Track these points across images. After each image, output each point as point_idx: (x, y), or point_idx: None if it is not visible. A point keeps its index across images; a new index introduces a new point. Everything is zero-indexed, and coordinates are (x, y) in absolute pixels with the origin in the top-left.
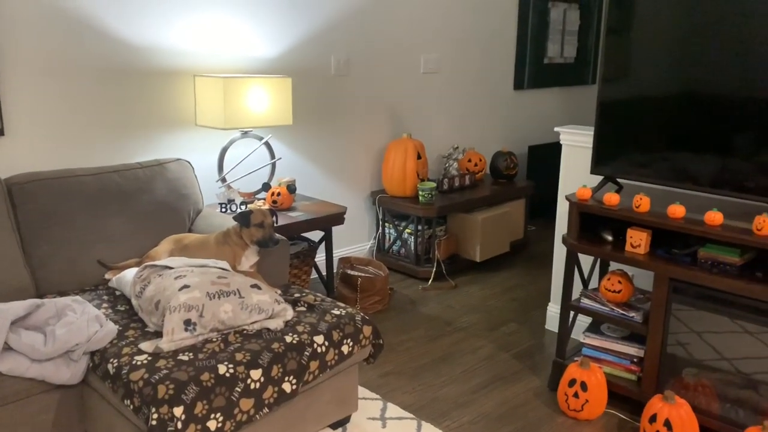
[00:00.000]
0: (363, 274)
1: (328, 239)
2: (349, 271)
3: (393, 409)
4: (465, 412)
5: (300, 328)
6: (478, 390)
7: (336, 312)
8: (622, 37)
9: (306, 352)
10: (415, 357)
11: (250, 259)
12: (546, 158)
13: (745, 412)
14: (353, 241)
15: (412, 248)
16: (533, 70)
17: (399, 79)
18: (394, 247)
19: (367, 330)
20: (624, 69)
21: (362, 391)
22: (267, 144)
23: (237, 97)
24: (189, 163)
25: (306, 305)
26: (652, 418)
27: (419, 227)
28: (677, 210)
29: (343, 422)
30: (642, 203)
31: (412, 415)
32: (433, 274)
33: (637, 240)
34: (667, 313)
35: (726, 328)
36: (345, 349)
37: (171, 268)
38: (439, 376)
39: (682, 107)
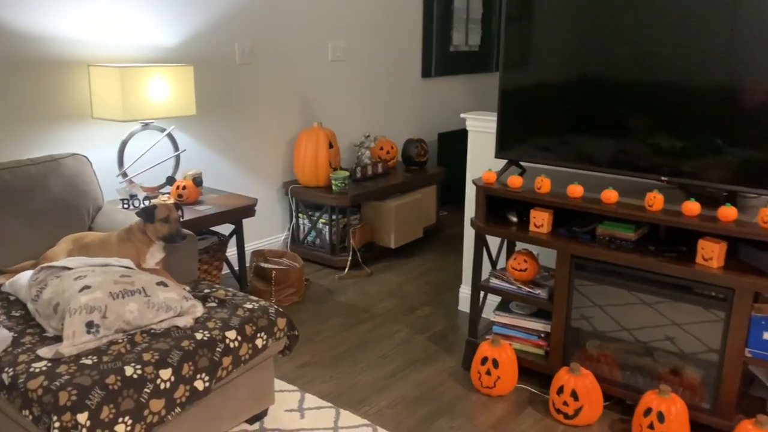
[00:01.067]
0: (277, 267)
1: (239, 232)
2: (262, 264)
3: (311, 400)
4: (383, 397)
5: (211, 324)
6: (395, 374)
7: (248, 306)
8: (521, 26)
9: (218, 348)
10: (333, 346)
11: (155, 256)
12: (455, 145)
13: (643, 378)
14: (266, 233)
15: (327, 238)
16: (440, 58)
17: (307, 68)
18: (309, 238)
19: (281, 322)
20: (524, 57)
21: (279, 384)
22: (170, 136)
23: (136, 87)
24: (86, 157)
25: (217, 300)
26: (560, 390)
27: (333, 217)
28: (576, 190)
29: (260, 416)
30: (543, 185)
31: (330, 404)
32: (348, 263)
33: (540, 220)
34: (570, 289)
35: (626, 300)
36: (259, 342)
37: (70, 268)
38: (356, 363)
39: (580, 93)
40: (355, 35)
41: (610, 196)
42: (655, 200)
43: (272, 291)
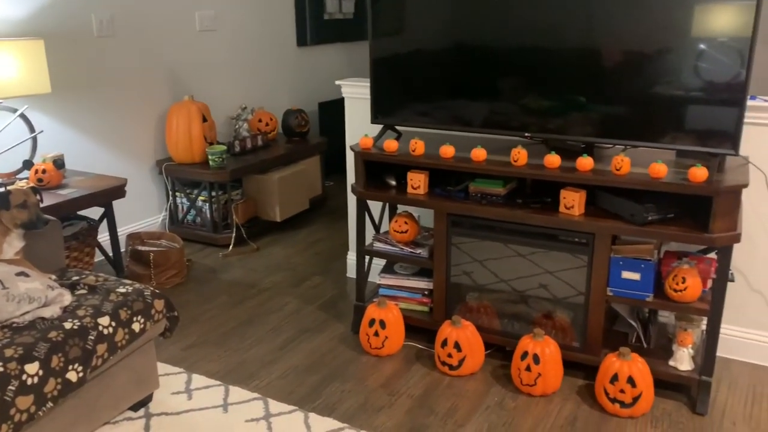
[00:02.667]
0: (155, 249)
1: (109, 215)
2: (139, 248)
3: (199, 380)
4: (273, 369)
5: (81, 312)
6: (286, 345)
7: (122, 290)
8: None
9: (90, 337)
10: (220, 324)
11: (13, 245)
12: (337, 114)
13: (520, 324)
14: (142, 215)
15: (208, 216)
16: (315, 27)
17: (174, 39)
18: (189, 217)
19: (158, 304)
20: (394, 23)
21: (165, 368)
22: (23, 116)
23: None
24: None
25: (87, 287)
26: (444, 343)
27: (213, 193)
28: (448, 150)
29: (145, 402)
30: (417, 147)
31: (218, 382)
32: (233, 240)
33: (417, 182)
34: (449, 246)
35: (503, 253)
36: (136, 327)
37: None
38: (245, 339)
39: (451, 58)
40: (223, 4)
41: (479, 154)
42: (520, 155)
43: (152, 274)
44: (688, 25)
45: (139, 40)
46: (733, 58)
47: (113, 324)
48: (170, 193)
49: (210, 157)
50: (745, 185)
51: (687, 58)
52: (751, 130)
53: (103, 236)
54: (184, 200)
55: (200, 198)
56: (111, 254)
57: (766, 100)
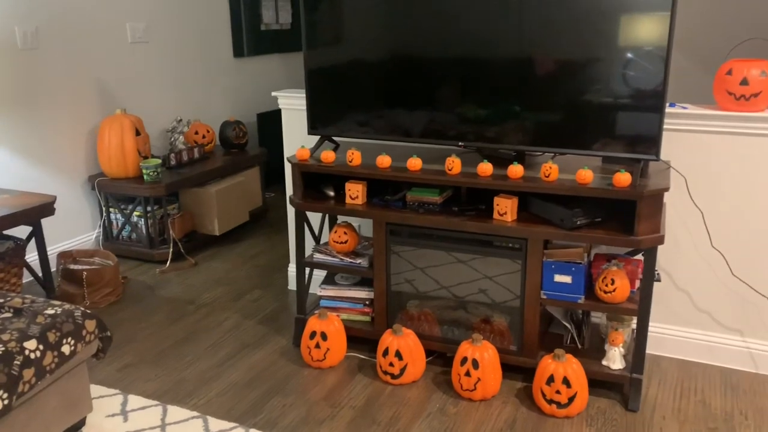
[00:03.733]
0: (88, 267)
1: (38, 234)
2: (71, 266)
3: (135, 401)
4: (213, 386)
5: (5, 337)
6: (225, 362)
7: (50, 312)
8: (322, 5)
9: (16, 362)
10: (157, 343)
11: None
12: (276, 124)
13: (459, 330)
14: (74, 233)
15: (144, 231)
16: (251, 37)
17: (104, 51)
18: (124, 233)
19: (90, 324)
20: (330, 34)
21: (99, 390)
22: None
23: None
24: None
25: (12, 310)
26: (385, 352)
27: (149, 208)
28: (384, 160)
29: (78, 426)
30: (354, 157)
31: (156, 402)
32: (170, 255)
33: (355, 192)
34: (388, 255)
35: (443, 260)
36: (66, 349)
37: None
38: (183, 356)
39: (383, 68)
40: (156, 15)
41: (414, 163)
42: (454, 164)
43: (85, 293)
44: (611, 36)
45: (67, 53)
46: (653, 66)
47: (41, 347)
48: (104, 209)
49: (144, 171)
50: (666, 189)
51: (610, 68)
52: (672, 136)
53: (32, 256)
54: (119, 216)
55: (135, 213)
56: (41, 274)
57: (684, 107)
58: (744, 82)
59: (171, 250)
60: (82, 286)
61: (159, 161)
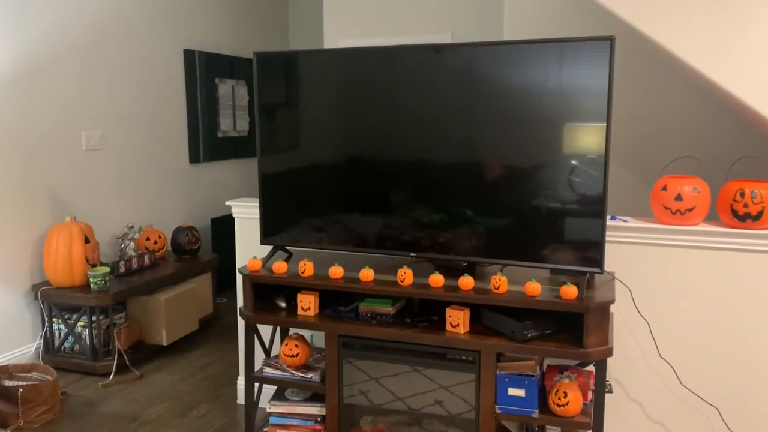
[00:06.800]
0: (24, 383)
1: None
2: (5, 383)
3: None
4: None
5: None
6: None
7: None
8: (277, 113)
9: None
10: None
11: None
12: (230, 229)
13: None
14: (12, 345)
15: (88, 342)
16: (208, 144)
17: (57, 158)
18: (66, 345)
19: None
20: (284, 140)
21: None
22: None
23: None
24: None
25: None
26: None
27: (94, 318)
28: (337, 271)
29: None
30: (306, 268)
31: None
32: (114, 368)
33: (307, 303)
34: (340, 369)
35: (399, 370)
36: None
37: None
38: None
39: (338, 177)
40: (112, 123)
41: (367, 274)
42: (406, 275)
43: (19, 412)
44: (555, 144)
45: (17, 160)
46: (593, 179)
47: None
48: (46, 319)
49: (91, 279)
50: (612, 301)
51: (555, 175)
52: (616, 248)
53: None
54: (62, 326)
55: (79, 323)
56: None
57: (625, 220)
58: (678, 197)
59: (115, 362)
60: (16, 404)
61: (107, 269)
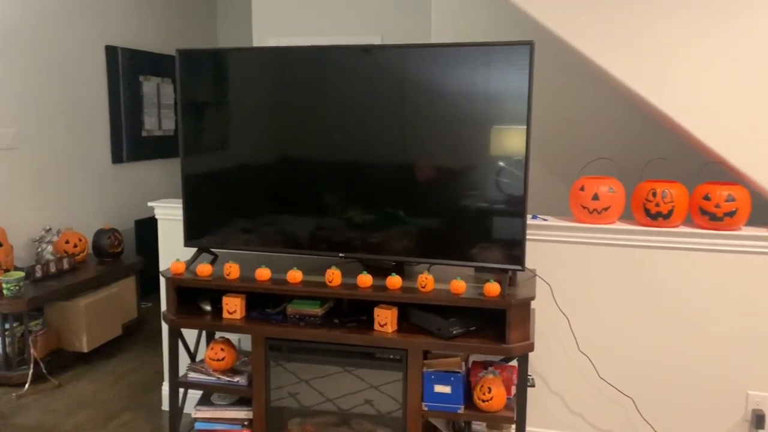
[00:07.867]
0: None
1: None
2: None
3: None
4: None
5: None
6: None
7: None
8: (203, 112)
9: None
10: None
11: None
12: (155, 232)
13: None
14: None
15: (0, 351)
16: (132, 143)
17: None
18: None
19: None
20: (208, 139)
21: None
22: None
23: None
24: None
25: None
26: None
27: (7, 325)
28: (263, 273)
29: None
30: (232, 270)
31: None
32: (30, 377)
33: (232, 306)
34: (267, 372)
35: (329, 371)
36: None
37: None
38: None
39: (263, 177)
40: (27, 121)
41: (295, 276)
42: (334, 276)
43: None
44: (480, 145)
45: None
46: (516, 179)
47: None
48: None
49: (4, 285)
50: (532, 298)
51: (479, 182)
52: (537, 246)
53: None
54: None
55: None
56: None
57: (545, 219)
58: (595, 197)
59: (31, 371)
60: None
61: (22, 274)
